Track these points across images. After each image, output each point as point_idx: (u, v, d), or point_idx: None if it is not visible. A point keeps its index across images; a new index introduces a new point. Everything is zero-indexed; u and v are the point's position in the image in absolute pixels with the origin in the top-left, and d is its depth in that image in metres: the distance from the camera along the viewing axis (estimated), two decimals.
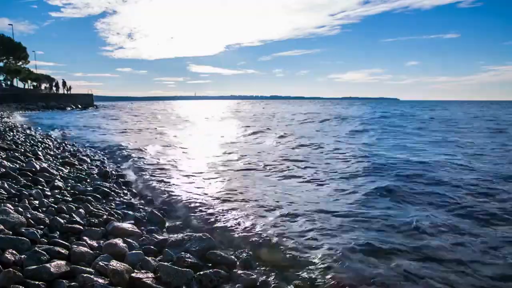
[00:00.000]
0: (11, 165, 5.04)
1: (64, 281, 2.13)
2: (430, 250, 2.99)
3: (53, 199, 3.83)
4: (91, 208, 3.69)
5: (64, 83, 44.72)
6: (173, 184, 5.34)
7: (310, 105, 67.59)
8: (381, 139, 11.32)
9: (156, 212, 3.83)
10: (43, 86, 47.59)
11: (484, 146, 9.41)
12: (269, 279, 2.52)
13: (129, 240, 2.90)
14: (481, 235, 3.29)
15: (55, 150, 7.97)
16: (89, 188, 4.49)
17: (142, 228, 3.42)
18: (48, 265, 2.18)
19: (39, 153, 6.68)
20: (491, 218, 3.74)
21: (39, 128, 14.47)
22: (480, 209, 4.01)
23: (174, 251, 2.80)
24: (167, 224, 3.64)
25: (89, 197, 4.06)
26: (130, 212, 3.85)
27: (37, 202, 3.55)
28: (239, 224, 3.62)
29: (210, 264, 2.68)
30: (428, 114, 28.23)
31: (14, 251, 2.29)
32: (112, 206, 4.02)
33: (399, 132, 13.68)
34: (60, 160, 6.42)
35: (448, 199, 4.42)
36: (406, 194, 4.63)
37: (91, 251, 2.57)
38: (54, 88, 44.46)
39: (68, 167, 5.86)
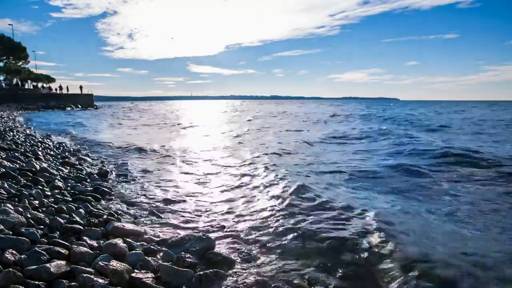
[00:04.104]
0: (11, 165, 5.04)
1: (64, 281, 2.13)
2: None
3: (53, 199, 3.83)
4: (91, 208, 3.69)
5: (60, 88, 44.98)
6: (174, 183, 5.34)
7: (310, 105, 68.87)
8: None
9: (156, 212, 3.83)
10: (39, 85, 47.84)
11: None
12: (269, 279, 2.51)
13: (129, 240, 2.91)
14: None
15: (55, 150, 7.97)
16: (89, 188, 4.49)
17: (142, 228, 3.42)
18: (48, 265, 2.18)
19: (39, 153, 6.68)
20: None
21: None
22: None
23: (174, 251, 2.81)
24: (167, 223, 3.64)
25: (89, 197, 4.06)
26: (130, 212, 3.85)
27: (37, 202, 3.55)
28: (239, 223, 3.62)
29: (210, 264, 2.68)
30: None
31: (14, 251, 2.29)
32: (112, 206, 4.03)
33: None
34: (60, 160, 6.42)
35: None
36: None
37: (91, 251, 2.57)
38: (58, 90, 44.73)
39: (68, 167, 5.86)
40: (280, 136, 13.09)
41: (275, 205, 4.20)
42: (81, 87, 47.15)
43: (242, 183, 5.41)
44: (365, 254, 2.86)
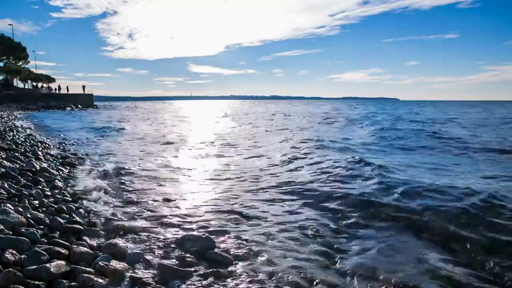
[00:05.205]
0: (11, 165, 5.04)
1: (64, 281, 2.13)
2: None
3: (53, 199, 3.83)
4: (91, 208, 3.69)
5: (59, 88, 44.92)
6: (173, 183, 5.34)
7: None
8: None
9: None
10: (39, 85, 47.75)
11: None
12: (269, 278, 2.51)
13: (129, 239, 2.91)
14: None
15: (55, 150, 7.97)
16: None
17: (142, 227, 3.41)
18: (48, 265, 2.18)
19: (39, 153, 6.67)
20: None
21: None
22: None
23: (174, 250, 2.80)
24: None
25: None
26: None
27: (37, 202, 3.55)
28: (238, 223, 3.62)
29: (210, 264, 2.67)
30: None
31: (14, 251, 2.29)
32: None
33: None
34: (60, 160, 6.42)
35: None
36: None
37: (91, 251, 2.57)
38: (56, 90, 44.67)
39: (68, 167, 5.86)
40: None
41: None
42: (83, 87, 47.17)
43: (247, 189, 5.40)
44: None
